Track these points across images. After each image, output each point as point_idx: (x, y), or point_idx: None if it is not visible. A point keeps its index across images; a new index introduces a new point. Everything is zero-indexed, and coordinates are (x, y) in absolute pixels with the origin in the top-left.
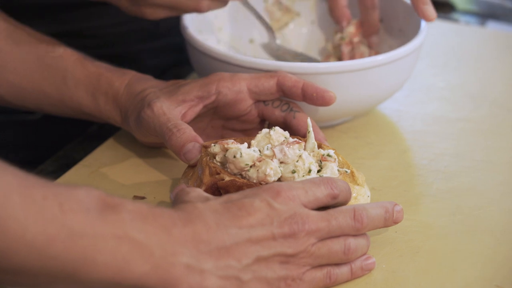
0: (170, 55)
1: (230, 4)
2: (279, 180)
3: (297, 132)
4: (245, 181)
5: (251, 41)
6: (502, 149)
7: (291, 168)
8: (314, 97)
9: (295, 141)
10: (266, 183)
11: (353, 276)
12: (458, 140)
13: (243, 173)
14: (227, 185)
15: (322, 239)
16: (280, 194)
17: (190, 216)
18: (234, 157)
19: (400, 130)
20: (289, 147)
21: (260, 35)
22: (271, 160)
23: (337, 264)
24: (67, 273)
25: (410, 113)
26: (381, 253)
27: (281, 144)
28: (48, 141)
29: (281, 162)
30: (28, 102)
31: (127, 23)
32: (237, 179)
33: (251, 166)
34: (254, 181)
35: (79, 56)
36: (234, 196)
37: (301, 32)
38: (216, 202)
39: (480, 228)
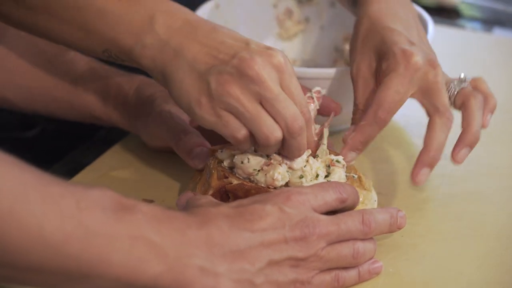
0: None
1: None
2: (286, 184)
3: None
4: (253, 184)
5: None
6: (507, 154)
7: (299, 173)
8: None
9: None
10: (274, 188)
11: (360, 280)
12: None
13: (251, 177)
14: (236, 188)
15: (332, 243)
16: (290, 199)
17: (204, 219)
18: (242, 163)
19: (407, 135)
20: None
21: (275, 42)
22: (280, 165)
23: (345, 268)
24: (82, 272)
25: (417, 118)
26: (388, 257)
27: None
28: (44, 158)
29: (288, 167)
30: (36, 106)
31: None
32: (245, 183)
33: (259, 170)
34: (262, 185)
35: (89, 60)
36: (244, 201)
37: (310, 36)
38: (227, 207)
39: (486, 232)
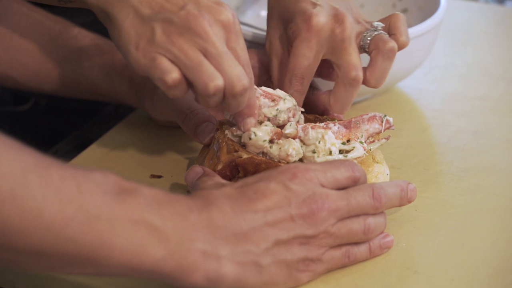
0: None
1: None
2: (300, 160)
3: (315, 109)
4: (263, 158)
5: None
6: None
7: (312, 147)
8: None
9: (323, 126)
10: (287, 162)
11: (371, 255)
12: (477, 118)
13: (264, 150)
14: (245, 162)
15: (342, 218)
16: (296, 176)
17: (205, 202)
18: (250, 139)
19: (419, 108)
20: (313, 128)
21: None
22: (294, 139)
23: (355, 243)
24: (83, 256)
25: (429, 91)
26: (401, 231)
27: (307, 124)
28: (37, 133)
29: (301, 141)
30: (42, 84)
31: None
32: (255, 157)
33: (271, 141)
34: (275, 159)
35: (94, 36)
36: (249, 180)
37: None
38: (231, 187)
39: (500, 206)
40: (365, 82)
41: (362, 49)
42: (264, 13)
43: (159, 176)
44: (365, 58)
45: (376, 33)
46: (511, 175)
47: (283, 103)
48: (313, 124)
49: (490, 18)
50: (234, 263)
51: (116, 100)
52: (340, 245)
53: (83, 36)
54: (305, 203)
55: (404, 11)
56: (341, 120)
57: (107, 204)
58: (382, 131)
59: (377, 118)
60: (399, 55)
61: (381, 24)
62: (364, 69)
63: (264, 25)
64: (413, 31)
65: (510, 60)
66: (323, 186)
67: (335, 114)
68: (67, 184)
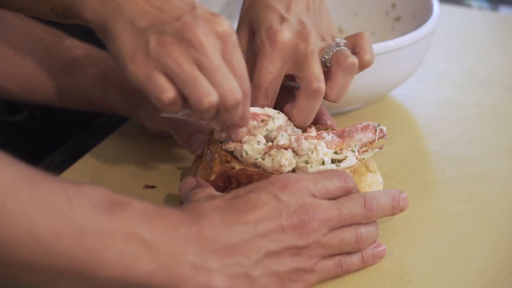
0: None
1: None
2: (293, 170)
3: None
4: (256, 170)
5: None
6: None
7: (305, 158)
8: None
9: (316, 136)
10: (280, 173)
11: (364, 265)
12: (471, 125)
13: (257, 163)
14: (238, 173)
15: (333, 228)
16: (287, 186)
17: (195, 215)
18: (241, 156)
19: (413, 116)
20: (307, 139)
21: None
22: (286, 150)
23: (348, 253)
24: (74, 270)
25: (423, 99)
26: (394, 240)
27: (300, 134)
28: (32, 144)
29: (293, 151)
30: (35, 95)
31: None
32: (248, 168)
33: (264, 155)
34: (269, 170)
35: (86, 47)
36: (240, 191)
37: None
38: (222, 199)
39: (493, 215)
40: (325, 96)
41: (323, 64)
42: None
43: (153, 187)
44: None
45: (337, 48)
46: (505, 183)
47: (273, 122)
48: (306, 134)
49: (484, 25)
50: (224, 276)
51: (109, 110)
52: (333, 255)
53: (76, 47)
54: (296, 214)
55: (397, 18)
56: (334, 129)
57: (98, 217)
58: (376, 140)
59: (371, 127)
60: (392, 62)
61: (343, 41)
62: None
63: None
64: (406, 39)
65: (504, 67)
66: (314, 196)
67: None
68: (58, 198)
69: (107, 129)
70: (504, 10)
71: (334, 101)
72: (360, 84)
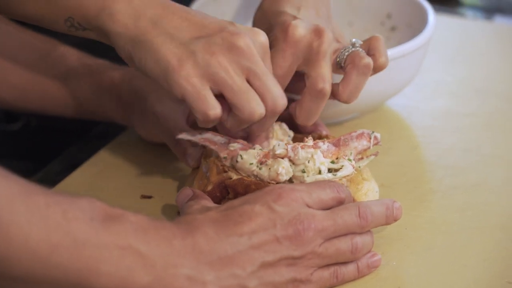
0: None
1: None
2: (290, 180)
3: (297, 125)
4: (253, 180)
5: None
6: (510, 144)
7: (302, 167)
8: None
9: (312, 145)
10: (277, 182)
11: (359, 275)
12: (467, 135)
13: (254, 172)
14: (235, 183)
15: (329, 238)
16: (281, 196)
17: (189, 228)
18: (237, 162)
19: (409, 126)
20: (303, 148)
21: None
22: (283, 159)
23: (343, 263)
24: (70, 282)
25: (419, 109)
26: (391, 250)
27: (297, 144)
28: (28, 153)
29: (290, 160)
30: (30, 104)
31: None
32: (245, 178)
33: (261, 163)
34: (266, 180)
35: (81, 54)
36: (235, 202)
37: None
38: (216, 211)
39: (490, 224)
40: (337, 96)
41: (338, 65)
42: None
43: (150, 197)
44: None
45: (353, 49)
46: (501, 192)
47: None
48: (302, 144)
49: (479, 35)
50: (219, 287)
51: (104, 118)
52: (328, 265)
53: (70, 55)
54: (290, 224)
55: (393, 28)
56: (329, 138)
57: (94, 230)
58: (371, 147)
59: (365, 135)
60: (388, 72)
61: (359, 41)
62: (337, 84)
63: None
64: (402, 48)
65: (500, 77)
66: (308, 206)
67: (320, 130)
68: (53, 211)
69: (104, 139)
70: (499, 20)
71: (346, 102)
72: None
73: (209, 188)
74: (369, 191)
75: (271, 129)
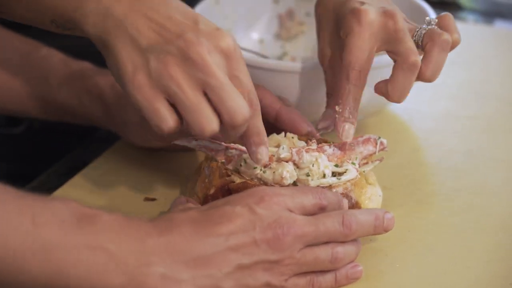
0: None
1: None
2: (294, 183)
3: (283, 127)
4: (256, 183)
5: (261, 41)
6: (511, 146)
7: (306, 170)
8: (286, 124)
9: (317, 149)
10: (282, 186)
11: (337, 285)
12: (468, 137)
13: (258, 176)
14: (239, 187)
15: (309, 245)
16: (264, 199)
17: (167, 226)
18: (240, 166)
19: (410, 128)
20: (308, 152)
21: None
22: (288, 162)
23: (322, 271)
24: (40, 287)
25: (420, 112)
26: (395, 252)
27: (301, 147)
28: (31, 156)
29: (294, 164)
30: (12, 105)
31: None
32: (248, 181)
33: (265, 167)
34: (269, 183)
35: (62, 56)
36: (218, 202)
37: (312, 34)
38: (197, 211)
39: (492, 225)
40: (420, 75)
41: (416, 44)
42: (255, 35)
43: (153, 199)
44: None
45: (429, 27)
46: (503, 194)
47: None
48: (307, 147)
49: (479, 38)
50: (194, 286)
51: (85, 120)
52: (306, 273)
53: (52, 56)
54: (270, 228)
55: None
56: (315, 135)
57: (64, 233)
58: (376, 152)
59: (372, 140)
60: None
61: (434, 19)
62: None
63: (254, 47)
64: None
65: (500, 80)
66: (290, 211)
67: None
68: (23, 217)
69: (107, 141)
70: (499, 24)
71: (430, 80)
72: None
73: (212, 191)
74: (373, 196)
75: (266, 141)
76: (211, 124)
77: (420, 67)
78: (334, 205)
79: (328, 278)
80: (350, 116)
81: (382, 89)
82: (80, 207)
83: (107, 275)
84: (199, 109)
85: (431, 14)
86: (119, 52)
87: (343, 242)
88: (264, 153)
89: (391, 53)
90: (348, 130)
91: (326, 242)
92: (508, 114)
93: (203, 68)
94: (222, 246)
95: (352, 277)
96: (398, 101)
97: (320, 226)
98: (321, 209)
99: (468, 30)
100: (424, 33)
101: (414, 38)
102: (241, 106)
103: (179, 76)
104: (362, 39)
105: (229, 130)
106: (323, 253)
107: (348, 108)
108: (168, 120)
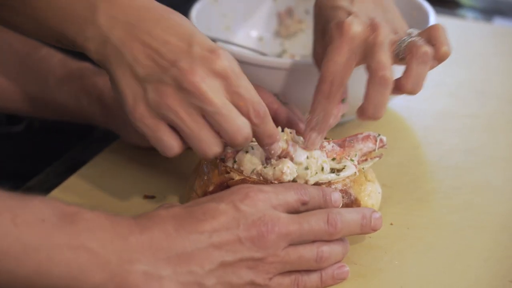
0: None
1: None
2: (294, 180)
3: (276, 123)
4: (256, 179)
5: (260, 39)
6: (511, 144)
7: (305, 164)
8: (283, 124)
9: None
10: (281, 182)
11: (323, 285)
12: (468, 136)
13: (258, 171)
14: (238, 184)
15: (293, 243)
16: (248, 196)
17: (149, 223)
18: (241, 167)
19: (410, 126)
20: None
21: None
22: (284, 154)
23: (307, 271)
24: (19, 286)
25: (420, 110)
26: (394, 249)
27: (297, 142)
28: (31, 154)
29: (290, 158)
30: (11, 105)
31: None
32: (248, 178)
33: (267, 164)
34: (270, 179)
35: (62, 56)
36: (202, 199)
37: (311, 31)
38: (180, 207)
39: (492, 224)
40: (401, 88)
41: (397, 57)
42: (254, 33)
43: (152, 197)
44: None
45: (410, 39)
46: (503, 192)
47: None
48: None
49: (479, 36)
50: (176, 283)
51: (84, 120)
52: (290, 272)
53: (51, 56)
54: (254, 225)
55: None
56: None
57: (45, 232)
58: (376, 150)
59: (371, 137)
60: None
61: (415, 31)
62: (400, 77)
63: (253, 45)
64: None
65: (500, 78)
66: (275, 208)
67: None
68: (3, 217)
69: (107, 140)
70: (498, 22)
71: (411, 93)
72: (358, 95)
73: (211, 188)
74: (372, 192)
75: (279, 137)
76: (212, 148)
77: (401, 80)
78: (316, 200)
79: (313, 278)
80: (318, 126)
81: (359, 110)
82: (61, 206)
83: (89, 274)
84: (200, 135)
85: (431, 13)
86: (120, 81)
87: (329, 241)
88: (276, 148)
89: (366, 68)
90: (314, 139)
91: (313, 242)
92: (509, 112)
93: (199, 96)
94: (205, 243)
95: (338, 277)
96: (373, 117)
97: (304, 224)
98: (303, 204)
99: (467, 28)
100: (404, 46)
101: (395, 51)
102: (240, 127)
103: (176, 105)
104: (339, 53)
105: (233, 147)
106: (308, 252)
107: (316, 118)
108: (172, 147)
